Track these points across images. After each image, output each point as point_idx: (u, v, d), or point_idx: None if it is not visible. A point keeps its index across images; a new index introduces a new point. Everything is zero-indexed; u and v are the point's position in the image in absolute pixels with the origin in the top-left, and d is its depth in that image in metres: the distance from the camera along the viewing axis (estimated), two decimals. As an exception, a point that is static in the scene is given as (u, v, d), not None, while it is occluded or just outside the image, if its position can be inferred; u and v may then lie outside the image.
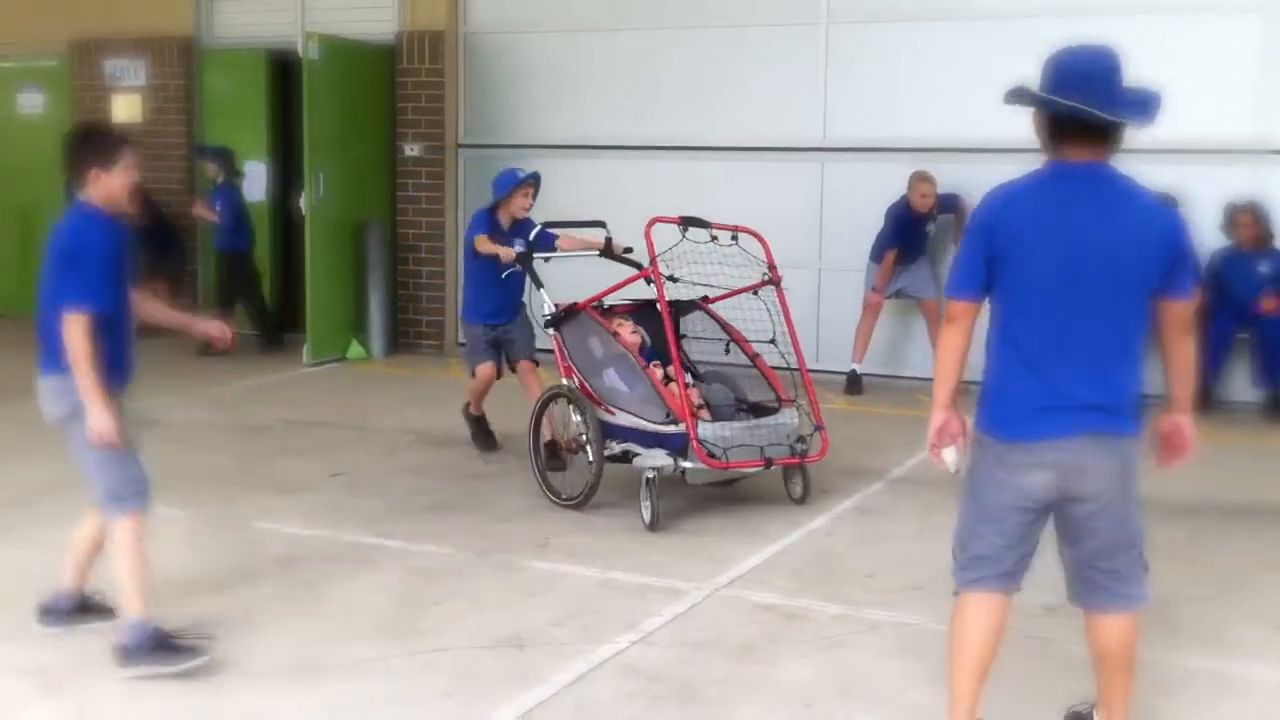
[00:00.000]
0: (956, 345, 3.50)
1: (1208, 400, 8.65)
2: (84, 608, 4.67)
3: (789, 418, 6.25)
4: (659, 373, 6.30)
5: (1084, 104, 3.26)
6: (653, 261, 6.25)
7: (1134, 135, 3.40)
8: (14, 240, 12.96)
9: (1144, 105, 3.31)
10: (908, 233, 9.18)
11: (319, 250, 10.35)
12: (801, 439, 6.23)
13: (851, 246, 9.52)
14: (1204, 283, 8.59)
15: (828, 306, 9.90)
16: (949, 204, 9.31)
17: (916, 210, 9.13)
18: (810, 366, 9.75)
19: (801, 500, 6.36)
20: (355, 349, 10.69)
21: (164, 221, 11.72)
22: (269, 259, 11.71)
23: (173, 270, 11.80)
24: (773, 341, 6.48)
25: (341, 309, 10.67)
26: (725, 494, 6.52)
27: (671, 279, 6.40)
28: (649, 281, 6.32)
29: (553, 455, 6.63)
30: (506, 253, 6.93)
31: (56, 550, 4.84)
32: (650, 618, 4.82)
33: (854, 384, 9.34)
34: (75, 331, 4.17)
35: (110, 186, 4.36)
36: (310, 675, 4.30)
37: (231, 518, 6.09)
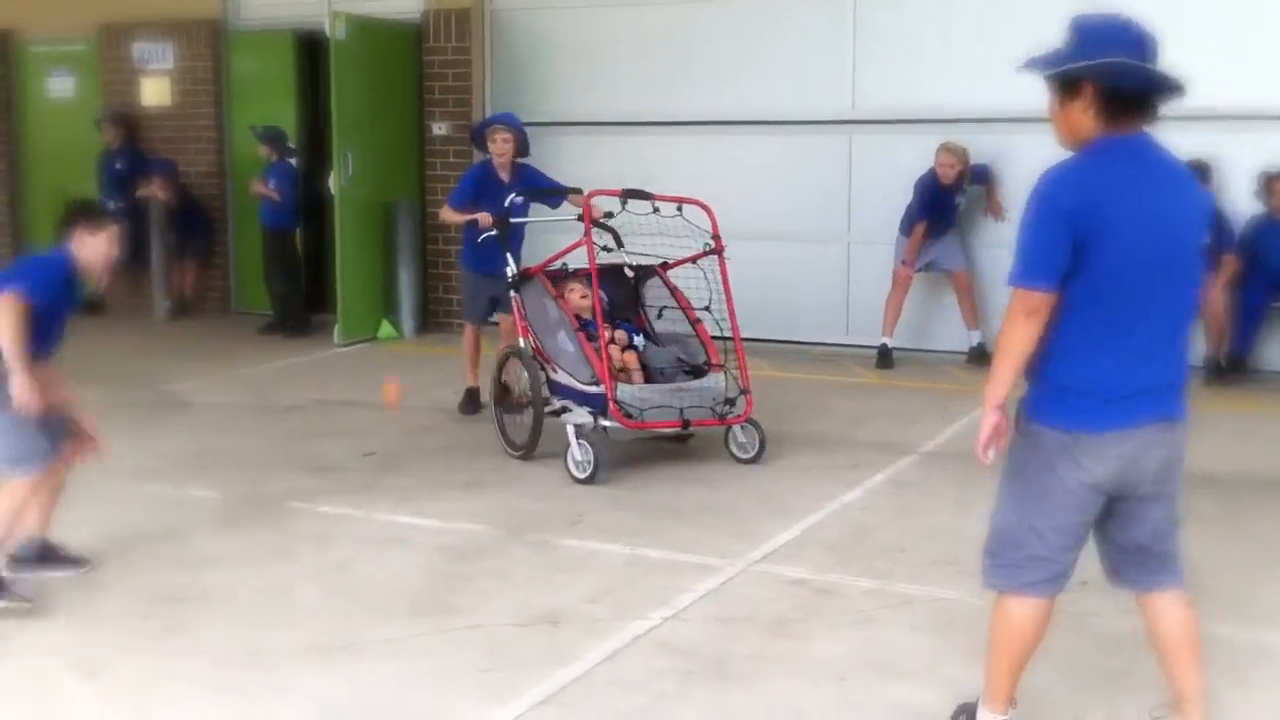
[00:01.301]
0: (1030, 342, 3.20)
1: (1240, 368, 8.58)
2: (46, 556, 4.97)
3: (714, 381, 6.55)
4: (620, 335, 6.69)
5: (1150, 71, 3.11)
6: (587, 230, 6.63)
7: (1170, 104, 3.28)
8: (47, 222, 13.04)
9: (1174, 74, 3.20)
10: (936, 205, 9.12)
11: (348, 230, 10.38)
12: (729, 401, 6.49)
13: (880, 219, 9.46)
14: (1237, 251, 8.51)
15: (856, 280, 9.86)
16: (980, 175, 9.25)
17: (943, 182, 9.07)
18: (840, 340, 9.90)
19: (754, 459, 6.59)
20: (386, 329, 10.72)
21: (194, 203, 11.80)
22: (300, 239, 11.77)
23: (201, 251, 11.90)
24: (707, 309, 6.79)
25: (372, 289, 10.69)
26: (754, 470, 6.51)
27: (606, 249, 6.90)
28: (611, 249, 6.87)
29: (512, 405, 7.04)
30: (484, 218, 7.16)
31: (69, 527, 4.89)
32: (682, 594, 4.83)
33: (885, 358, 9.29)
34: (9, 308, 4.52)
35: (93, 250, 4.83)
36: (346, 653, 4.33)
37: (265, 498, 6.14)
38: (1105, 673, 4.09)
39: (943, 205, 9.16)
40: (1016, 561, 3.37)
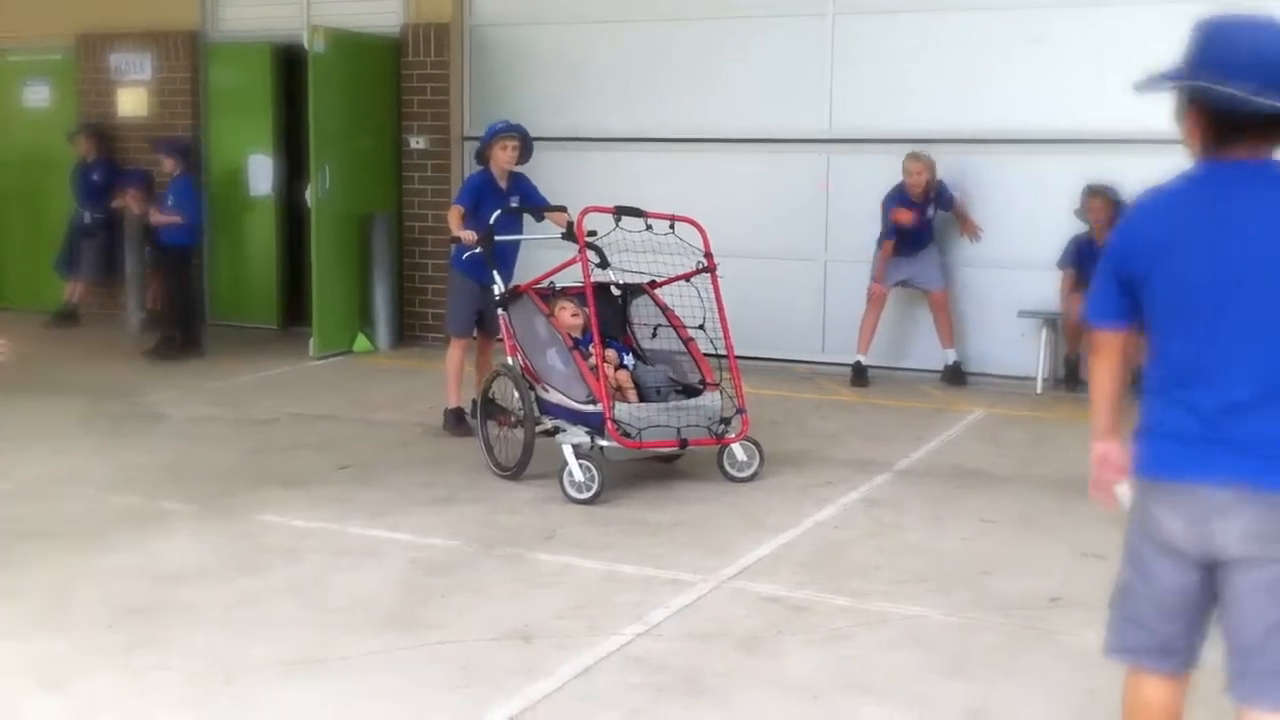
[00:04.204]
0: (1105, 374, 3.07)
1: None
2: None
3: (710, 400, 6.50)
4: (610, 354, 6.61)
5: (1260, 92, 2.67)
6: (581, 248, 6.58)
7: None
8: (20, 233, 12.99)
9: None
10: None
11: (325, 243, 10.35)
12: (724, 421, 6.46)
13: (857, 238, 9.49)
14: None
15: (833, 298, 9.89)
16: (946, 200, 9.24)
17: (911, 192, 9.09)
18: (816, 358, 9.93)
19: (750, 478, 6.56)
20: (361, 342, 10.69)
21: (170, 215, 11.74)
22: (275, 252, 11.74)
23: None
24: (701, 327, 6.77)
25: (347, 302, 10.66)
26: (729, 487, 6.51)
27: (601, 265, 6.85)
28: (602, 266, 6.84)
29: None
30: (468, 236, 7.13)
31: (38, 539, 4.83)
32: (656, 610, 4.82)
33: (859, 376, 9.31)
34: None
35: None
36: (318, 667, 4.30)
37: (237, 511, 6.10)
38: (1079, 690, 4.09)
39: (914, 219, 9.16)
40: (1117, 620, 3.03)
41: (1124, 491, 3.02)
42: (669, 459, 6.80)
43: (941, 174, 9.20)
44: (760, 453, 6.64)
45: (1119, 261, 2.97)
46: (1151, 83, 2.85)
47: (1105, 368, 3.09)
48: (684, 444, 6.38)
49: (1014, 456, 7.32)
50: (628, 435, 6.22)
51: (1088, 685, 4.04)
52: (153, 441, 7.55)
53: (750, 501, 6.31)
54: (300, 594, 5.02)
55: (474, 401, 7.61)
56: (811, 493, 6.45)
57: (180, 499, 6.26)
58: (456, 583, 5.15)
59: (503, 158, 7.41)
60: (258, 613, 4.80)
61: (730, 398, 6.58)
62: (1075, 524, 5.72)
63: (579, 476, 6.22)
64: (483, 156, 7.50)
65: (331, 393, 9.06)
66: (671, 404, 6.46)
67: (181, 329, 10.35)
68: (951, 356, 9.36)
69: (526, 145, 7.52)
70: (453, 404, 7.74)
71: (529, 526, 5.90)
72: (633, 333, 6.96)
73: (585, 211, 6.75)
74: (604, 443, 6.28)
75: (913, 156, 9.05)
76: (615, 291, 7.00)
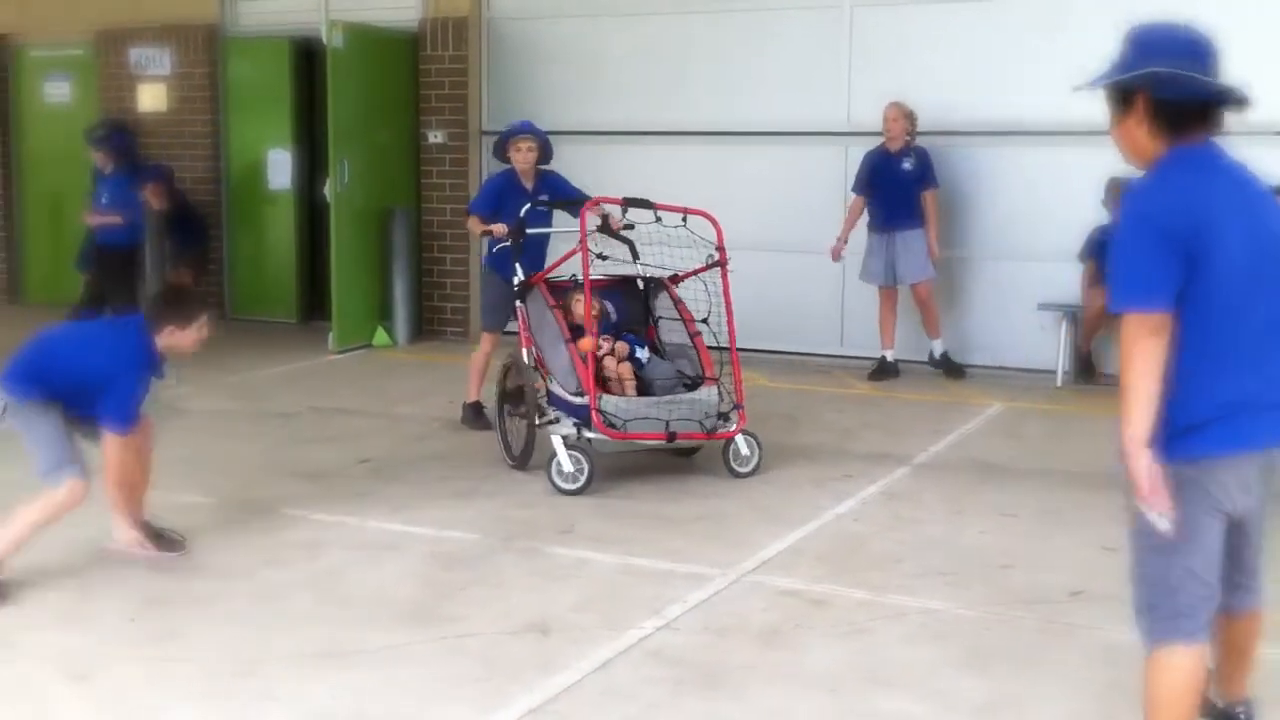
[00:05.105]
0: (1154, 366, 2.97)
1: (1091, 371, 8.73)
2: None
3: (707, 395, 6.44)
4: (621, 346, 6.62)
5: (1213, 81, 2.98)
6: (583, 239, 6.53)
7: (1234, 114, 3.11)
8: (43, 228, 13.07)
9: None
10: (880, 170, 9.08)
11: (344, 238, 10.38)
12: (723, 416, 6.42)
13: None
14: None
15: (851, 292, 9.86)
16: (931, 174, 9.07)
17: (889, 143, 9.04)
18: (835, 352, 9.90)
19: (751, 473, 6.51)
20: (381, 336, 10.72)
21: (190, 209, 11.78)
22: (294, 247, 11.77)
23: (196, 258, 11.87)
24: (705, 321, 6.72)
25: (367, 296, 10.70)
26: (747, 481, 6.50)
27: (602, 257, 6.77)
28: (607, 258, 6.80)
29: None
30: (499, 229, 7.10)
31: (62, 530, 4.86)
32: (674, 603, 4.82)
33: (884, 371, 9.25)
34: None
35: (182, 340, 5.10)
36: (338, 661, 4.32)
37: (257, 505, 6.12)
38: (1101, 684, 4.08)
39: (889, 171, 9.04)
40: (1176, 610, 3.13)
41: (1167, 517, 2.99)
42: (685, 453, 6.79)
43: (958, 164, 9.17)
44: (759, 446, 6.57)
45: (1182, 237, 2.95)
46: (1098, 79, 3.08)
47: (1154, 359, 2.97)
48: (672, 437, 6.31)
49: (1034, 450, 7.30)
50: (612, 426, 6.20)
51: (1109, 679, 4.03)
52: (173, 435, 7.56)
53: (768, 495, 6.31)
54: (320, 587, 5.04)
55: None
56: (829, 486, 6.44)
57: (201, 492, 6.29)
58: (475, 576, 5.17)
59: (519, 159, 7.41)
60: (278, 606, 4.82)
61: (729, 393, 6.53)
62: (1096, 518, 5.70)
63: (567, 467, 6.23)
64: (504, 156, 7.52)
65: (351, 387, 9.09)
66: (665, 398, 6.41)
67: None
68: (939, 347, 9.30)
69: (544, 146, 7.49)
70: (472, 398, 7.75)
71: (546, 520, 5.91)
72: (656, 326, 6.95)
73: (594, 202, 6.74)
74: (591, 434, 6.26)
75: (894, 105, 9.03)
76: (640, 285, 6.98)
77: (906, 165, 9.07)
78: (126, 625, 4.60)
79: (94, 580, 5.04)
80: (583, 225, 6.62)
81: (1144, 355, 2.97)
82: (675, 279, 6.92)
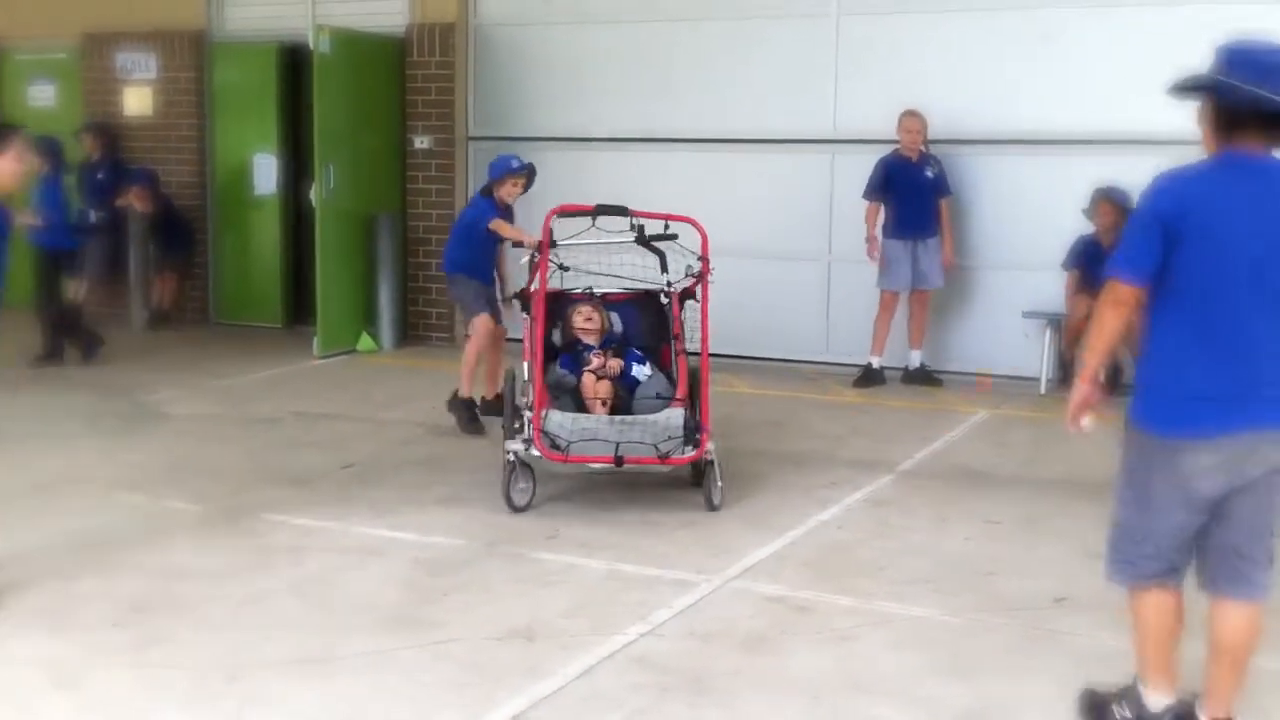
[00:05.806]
0: (1116, 325, 3.46)
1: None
2: None
3: (668, 418, 6.07)
4: (614, 363, 6.36)
5: (1269, 92, 3.28)
6: (544, 250, 6.38)
7: None
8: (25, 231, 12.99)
9: None
10: (900, 177, 9.09)
11: (329, 243, 10.36)
12: (688, 439, 6.01)
13: (862, 238, 9.49)
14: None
15: (837, 299, 9.89)
16: (945, 182, 9.15)
17: (906, 151, 9.07)
18: (819, 358, 9.91)
19: (714, 508, 6.08)
20: (365, 341, 10.70)
21: (175, 213, 11.76)
22: (279, 252, 11.75)
23: (181, 262, 11.86)
24: (677, 336, 6.51)
25: (352, 301, 10.67)
26: (732, 487, 6.43)
27: (562, 268, 6.66)
28: (567, 269, 6.68)
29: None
30: (530, 239, 6.95)
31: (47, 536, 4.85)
32: (659, 609, 4.83)
33: (870, 378, 9.26)
34: None
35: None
36: (322, 666, 4.31)
37: (242, 510, 6.11)
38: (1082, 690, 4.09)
39: (909, 178, 9.06)
40: (1130, 557, 3.62)
41: (1089, 422, 3.57)
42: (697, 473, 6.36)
43: (947, 174, 9.21)
44: (719, 477, 6.10)
45: (1172, 217, 3.35)
46: (1183, 85, 3.45)
47: (1118, 319, 3.44)
48: (619, 461, 5.95)
49: (1018, 457, 7.33)
50: (556, 447, 5.98)
51: (1097, 683, 4.04)
52: (157, 440, 7.56)
53: (754, 502, 6.31)
54: (304, 593, 5.03)
55: (483, 399, 7.72)
56: (815, 493, 6.45)
57: (185, 498, 6.28)
58: (460, 582, 5.16)
59: (510, 192, 7.59)
60: (263, 611, 4.81)
61: (695, 417, 6.13)
62: (1080, 525, 5.72)
63: (519, 483, 6.11)
64: (488, 189, 7.61)
65: (335, 392, 9.07)
66: (618, 418, 6.10)
67: (69, 334, 9.74)
68: (918, 358, 9.34)
69: (531, 180, 7.70)
70: (465, 393, 7.69)
71: (532, 525, 5.91)
72: (680, 340, 6.54)
73: (558, 210, 6.41)
74: (535, 453, 6.05)
75: (909, 113, 9.05)
76: (664, 300, 6.67)
77: (929, 173, 9.14)
78: (113, 632, 4.58)
79: (79, 586, 5.02)
80: (545, 237, 6.34)
81: (1107, 320, 3.47)
82: (687, 292, 6.55)
